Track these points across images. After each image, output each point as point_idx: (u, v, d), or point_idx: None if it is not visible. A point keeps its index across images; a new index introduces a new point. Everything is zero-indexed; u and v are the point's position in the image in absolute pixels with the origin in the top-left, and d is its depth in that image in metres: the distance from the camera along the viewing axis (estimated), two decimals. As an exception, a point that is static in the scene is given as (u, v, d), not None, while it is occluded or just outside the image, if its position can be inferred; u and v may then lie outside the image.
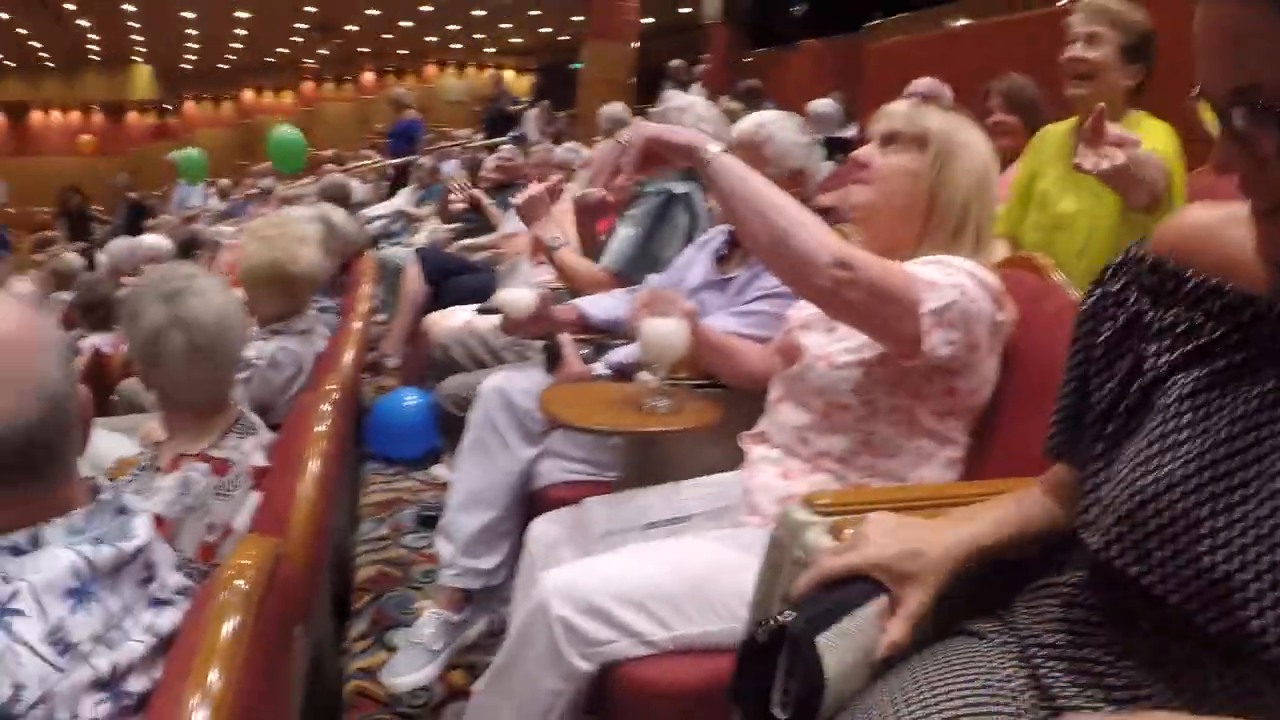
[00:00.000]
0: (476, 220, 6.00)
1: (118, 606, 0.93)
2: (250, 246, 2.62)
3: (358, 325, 2.84)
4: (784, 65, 11.88)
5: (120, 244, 5.45)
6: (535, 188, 3.11)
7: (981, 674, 0.95)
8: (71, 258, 5.39)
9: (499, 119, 9.75)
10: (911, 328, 1.39)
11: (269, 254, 2.55)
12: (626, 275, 2.85)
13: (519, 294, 2.29)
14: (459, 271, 4.90)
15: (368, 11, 17.18)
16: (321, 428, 1.65)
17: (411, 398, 3.93)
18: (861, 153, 1.65)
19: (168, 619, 0.98)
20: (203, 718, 0.76)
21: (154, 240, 5.55)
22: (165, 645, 0.96)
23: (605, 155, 1.49)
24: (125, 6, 15.51)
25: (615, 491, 1.85)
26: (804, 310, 1.72)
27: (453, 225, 6.32)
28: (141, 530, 0.99)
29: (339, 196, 5.63)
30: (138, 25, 17.21)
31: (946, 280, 1.42)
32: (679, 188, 2.93)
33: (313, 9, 16.71)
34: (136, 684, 0.91)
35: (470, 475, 2.29)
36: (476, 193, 6.11)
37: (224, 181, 12.43)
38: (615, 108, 6.04)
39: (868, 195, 1.62)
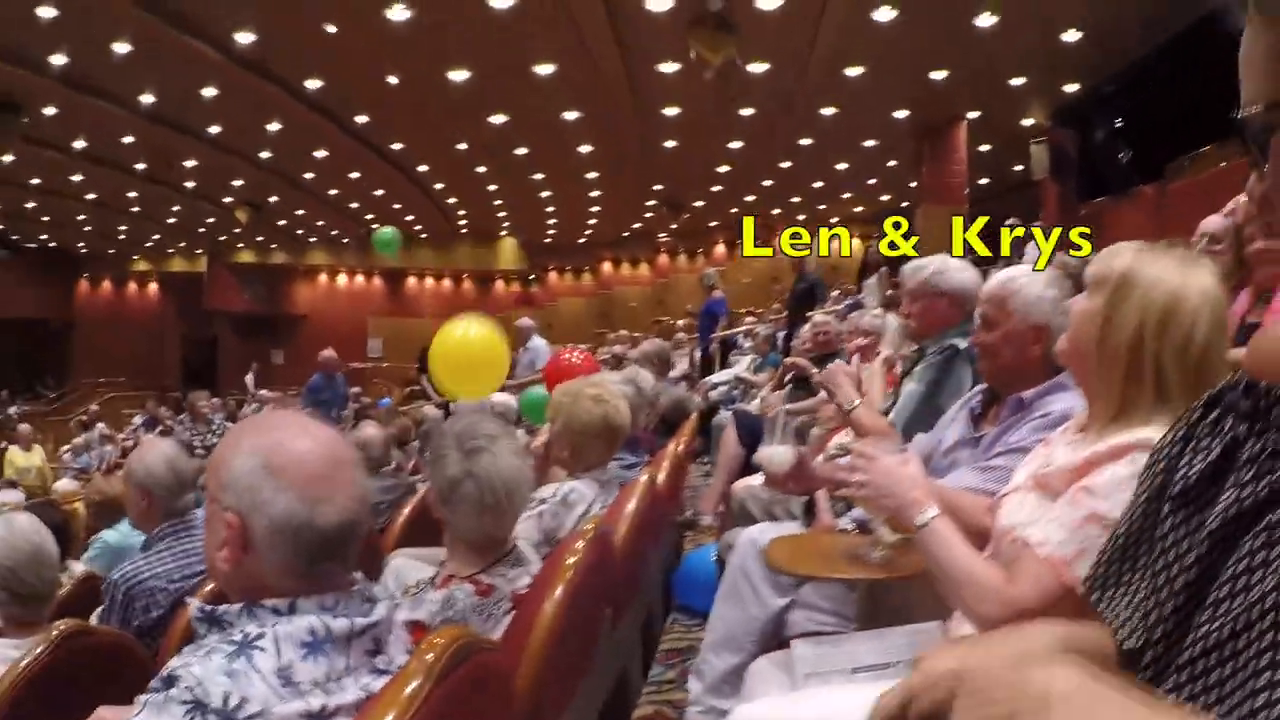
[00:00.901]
0: (807, 386, 6.20)
1: (342, 665, 1.20)
2: (579, 404, 2.95)
3: (644, 478, 3.10)
4: (1117, 214, 11.36)
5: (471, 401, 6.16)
6: (838, 366, 3.24)
7: None
8: (429, 410, 6.12)
9: (803, 292, 9.98)
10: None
11: (600, 409, 2.90)
12: (912, 433, 2.88)
13: (777, 451, 2.40)
14: (771, 433, 5.09)
15: (713, 188, 18.32)
16: (570, 560, 1.90)
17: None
18: (1069, 300, 1.69)
19: (382, 685, 1.22)
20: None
21: (502, 398, 6.23)
22: None
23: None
24: (490, 187, 17.44)
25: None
26: (1021, 472, 1.72)
27: (783, 391, 6.58)
28: (377, 614, 1.26)
29: (659, 361, 6.08)
30: (501, 203, 19.27)
31: (1101, 535, 1.31)
32: (961, 343, 2.97)
33: (660, 187, 18.05)
34: None
35: (723, 619, 2.44)
36: (802, 361, 6.35)
37: (583, 346, 13.64)
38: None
39: (1062, 344, 1.63)
